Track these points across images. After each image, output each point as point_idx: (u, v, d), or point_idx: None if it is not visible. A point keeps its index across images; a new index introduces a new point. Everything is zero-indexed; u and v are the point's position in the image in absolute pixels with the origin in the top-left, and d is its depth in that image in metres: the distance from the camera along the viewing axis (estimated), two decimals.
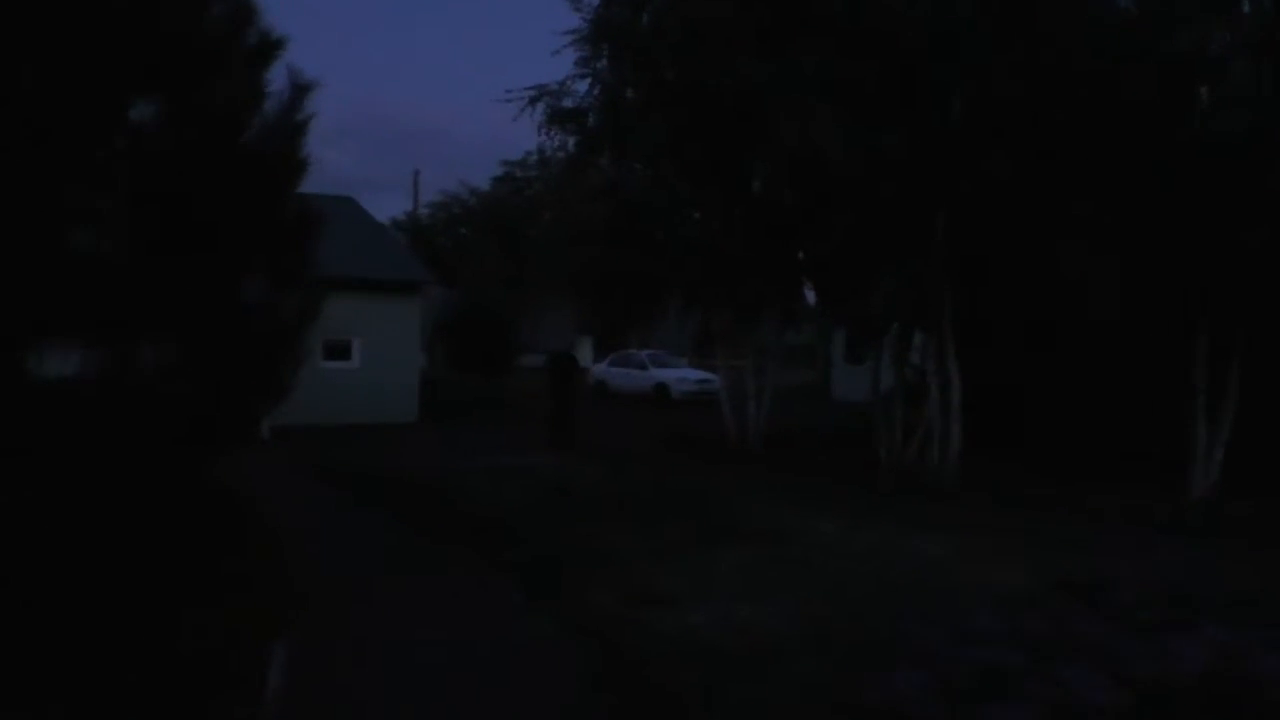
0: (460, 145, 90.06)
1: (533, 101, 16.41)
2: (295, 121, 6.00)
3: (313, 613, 6.58)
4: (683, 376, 29.09)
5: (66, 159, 4.94)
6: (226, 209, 5.54)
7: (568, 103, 16.48)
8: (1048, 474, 13.75)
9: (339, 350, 20.13)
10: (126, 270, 5.35)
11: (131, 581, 5.45)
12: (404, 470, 13.65)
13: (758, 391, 17.24)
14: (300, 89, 5.97)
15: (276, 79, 5.92)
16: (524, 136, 77.94)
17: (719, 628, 6.46)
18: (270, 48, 5.81)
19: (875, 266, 13.11)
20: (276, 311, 5.88)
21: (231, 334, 5.76)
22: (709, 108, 13.93)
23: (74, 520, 5.01)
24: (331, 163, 72.44)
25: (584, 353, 59.41)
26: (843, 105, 11.88)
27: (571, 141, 16.83)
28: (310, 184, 6.11)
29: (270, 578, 7.20)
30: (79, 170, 5.12)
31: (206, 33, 5.46)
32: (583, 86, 16.34)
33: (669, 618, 6.66)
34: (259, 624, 5.90)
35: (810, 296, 17.83)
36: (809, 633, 6.39)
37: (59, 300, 4.82)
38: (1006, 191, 11.70)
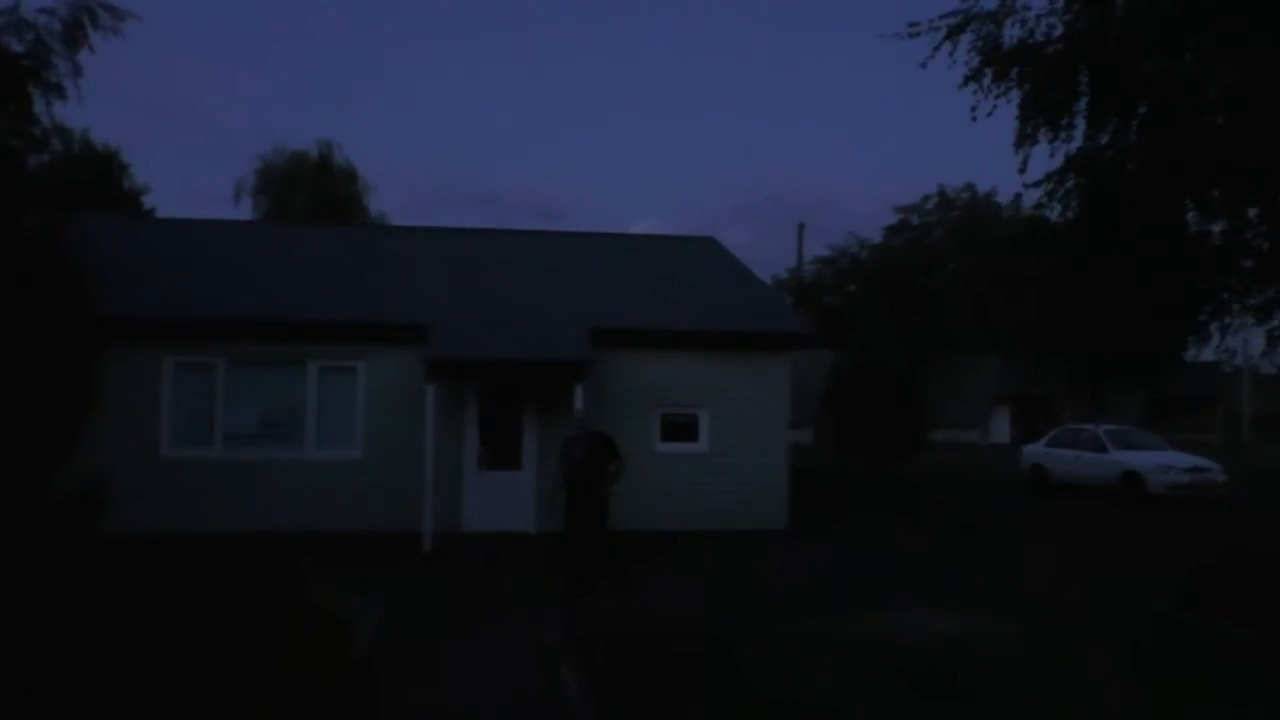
0: (856, 217, 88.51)
1: (952, 35, 10.34)
2: None
3: None
4: (1165, 463, 20.50)
5: None
6: None
7: (1012, 33, 10.26)
8: None
9: (681, 428, 14.93)
10: None
11: None
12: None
13: None
14: None
15: None
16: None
17: None
18: None
19: None
20: None
21: None
22: None
23: None
24: (730, 241, 72.08)
25: (999, 427, 49.97)
26: None
27: (1017, 97, 10.45)
28: None
29: None
30: None
31: None
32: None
33: None
34: None
35: None
36: None
37: None
38: None
